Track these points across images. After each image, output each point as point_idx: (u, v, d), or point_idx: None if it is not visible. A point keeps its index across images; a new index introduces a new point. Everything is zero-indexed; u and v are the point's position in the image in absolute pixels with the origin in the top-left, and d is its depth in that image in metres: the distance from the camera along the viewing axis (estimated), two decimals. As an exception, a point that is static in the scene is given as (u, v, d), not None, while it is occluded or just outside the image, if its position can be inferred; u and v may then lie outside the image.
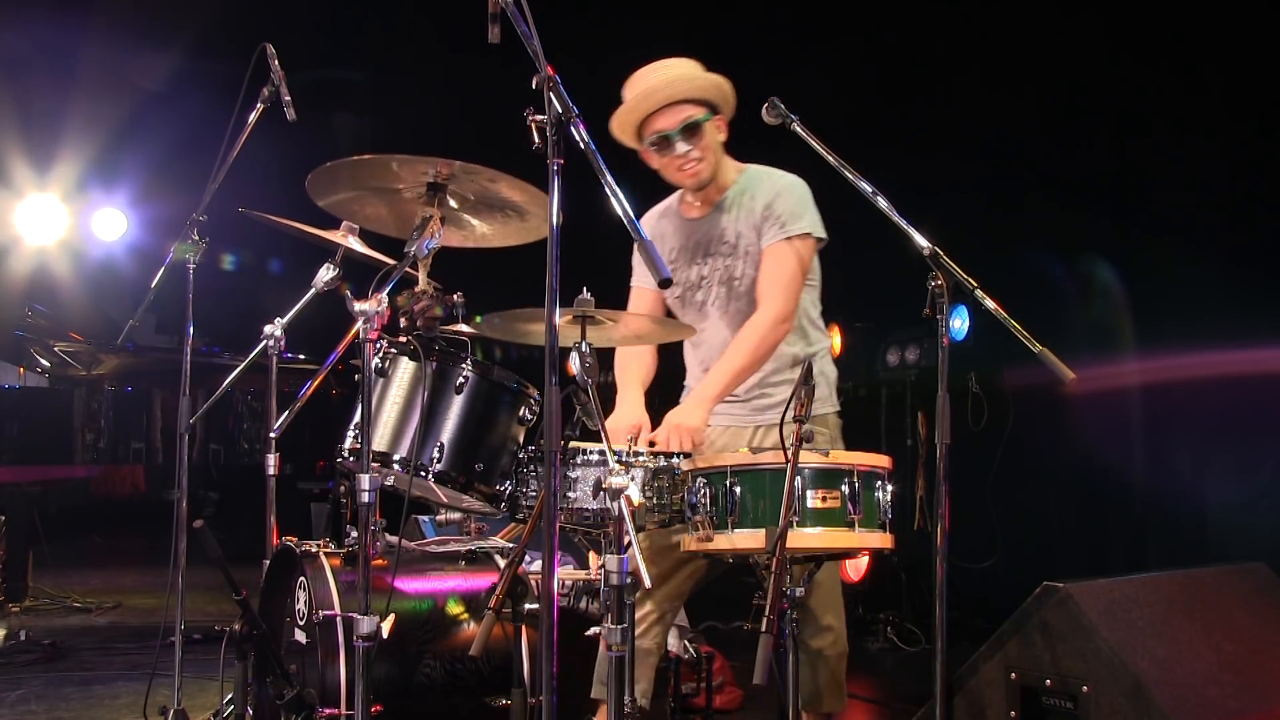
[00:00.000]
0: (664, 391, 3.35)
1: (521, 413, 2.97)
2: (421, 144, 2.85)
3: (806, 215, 3.08)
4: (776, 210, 3.07)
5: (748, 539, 2.52)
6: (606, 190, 2.01)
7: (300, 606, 2.93)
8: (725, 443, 3.15)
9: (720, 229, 3.14)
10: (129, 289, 8.26)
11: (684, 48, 3.14)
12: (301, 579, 2.92)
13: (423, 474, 2.83)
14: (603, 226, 2.39)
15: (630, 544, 2.39)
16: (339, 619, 2.75)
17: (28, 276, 7.78)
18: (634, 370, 3.28)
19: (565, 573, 3.43)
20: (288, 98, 3.41)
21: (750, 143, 3.20)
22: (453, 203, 2.79)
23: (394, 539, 2.92)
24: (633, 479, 2.68)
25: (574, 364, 2.47)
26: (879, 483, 2.60)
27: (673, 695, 3.70)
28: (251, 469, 5.92)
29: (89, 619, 5.96)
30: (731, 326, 3.12)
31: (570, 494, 2.77)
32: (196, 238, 3.48)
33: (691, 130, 3.04)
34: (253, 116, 3.47)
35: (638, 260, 3.29)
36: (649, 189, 3.31)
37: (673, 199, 3.29)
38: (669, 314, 3.26)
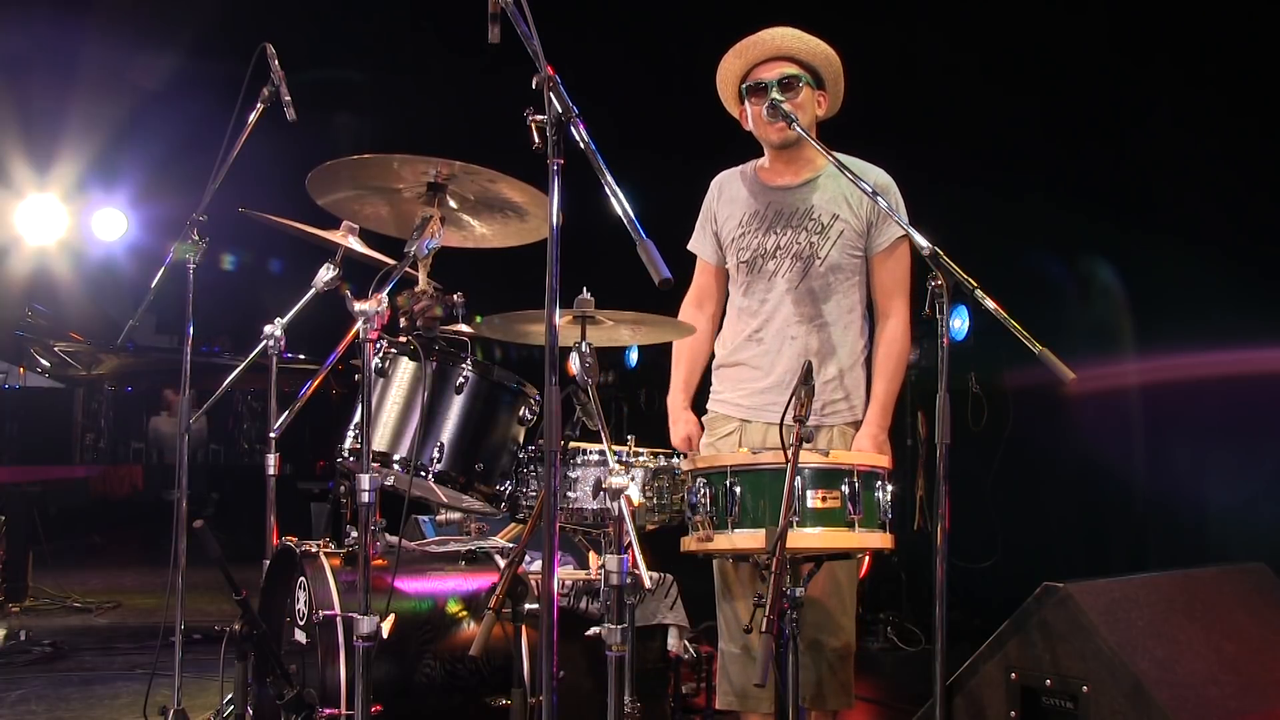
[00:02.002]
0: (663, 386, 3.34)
1: (521, 413, 2.98)
2: (421, 144, 2.86)
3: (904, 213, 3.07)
4: (889, 205, 2.94)
5: (748, 539, 2.52)
6: (606, 190, 2.01)
7: (300, 606, 2.93)
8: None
9: (809, 204, 3.09)
10: (129, 289, 8.26)
11: (680, 47, 3.14)
12: (301, 579, 2.92)
13: (423, 474, 2.83)
14: (603, 226, 2.39)
15: (630, 544, 2.39)
16: (339, 619, 2.75)
17: (28, 276, 7.77)
18: (684, 366, 3.30)
19: (565, 573, 3.43)
20: (288, 98, 3.41)
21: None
22: (453, 203, 2.79)
23: (394, 539, 2.92)
24: (633, 479, 2.69)
25: (574, 364, 2.47)
26: (879, 483, 2.60)
27: (672, 695, 3.70)
28: (251, 469, 5.92)
29: (89, 619, 5.96)
30: (799, 303, 3.07)
31: (570, 494, 2.77)
32: (196, 238, 3.48)
33: (788, 85, 3.02)
34: (253, 116, 3.47)
35: (701, 225, 3.29)
36: (649, 189, 3.31)
37: (748, 165, 3.25)
38: (726, 280, 3.26)
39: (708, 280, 3.31)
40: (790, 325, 3.09)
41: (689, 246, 3.32)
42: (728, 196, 3.23)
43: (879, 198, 2.83)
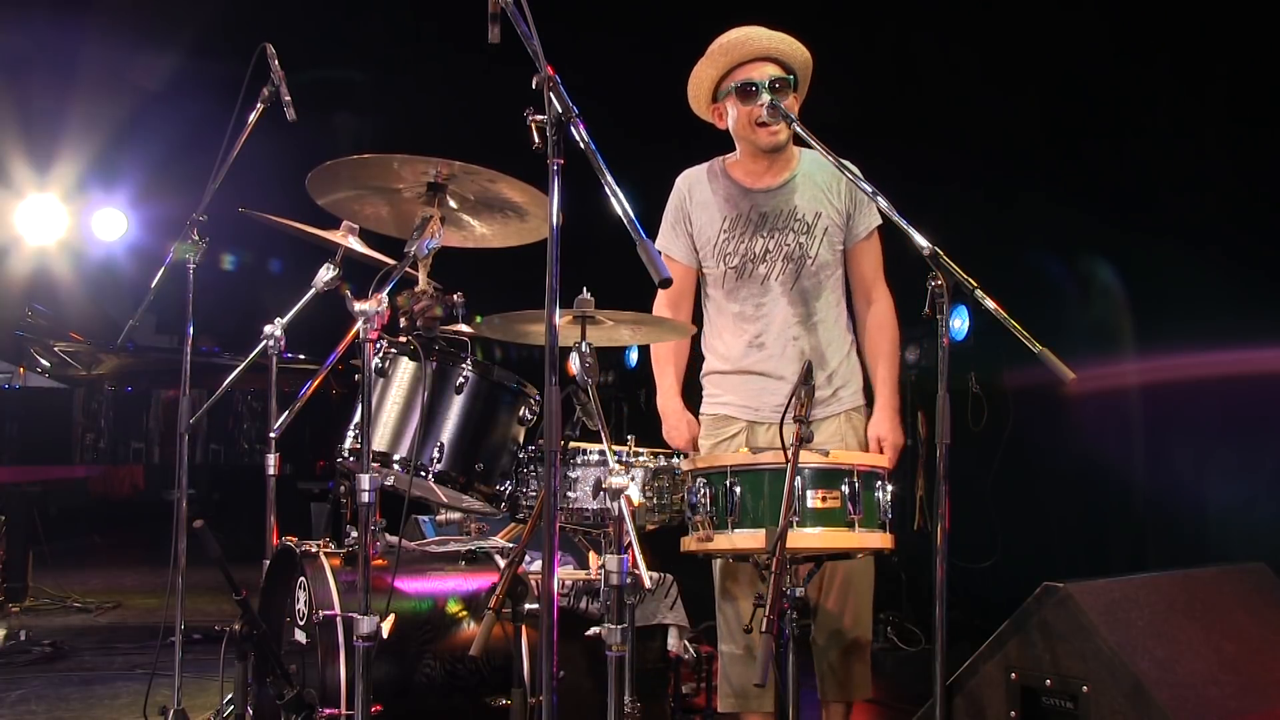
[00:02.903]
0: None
1: (521, 413, 2.98)
2: (421, 144, 2.85)
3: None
4: (863, 196, 3.04)
5: (748, 539, 2.52)
6: (606, 190, 2.01)
7: (300, 606, 2.93)
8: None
9: (793, 205, 3.11)
10: (129, 289, 8.25)
11: (681, 47, 3.14)
12: (301, 579, 2.92)
13: (423, 474, 2.83)
14: (603, 226, 2.39)
15: (630, 544, 2.39)
16: (339, 619, 2.75)
17: (28, 276, 7.77)
18: (672, 367, 3.27)
19: (565, 573, 3.43)
20: (288, 98, 3.41)
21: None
22: (453, 203, 2.79)
23: (394, 539, 2.92)
24: (633, 479, 2.69)
25: (574, 364, 2.47)
26: (879, 483, 2.61)
27: (672, 695, 3.70)
28: (251, 469, 5.92)
29: (89, 619, 5.96)
30: (795, 304, 3.10)
31: (570, 494, 2.78)
32: (196, 238, 3.48)
33: (778, 88, 3.00)
34: (253, 116, 3.47)
35: (672, 226, 3.24)
36: (649, 189, 3.30)
37: (715, 164, 3.21)
38: (697, 279, 3.25)
39: (682, 280, 3.24)
40: (790, 327, 3.10)
41: (657, 245, 3.23)
42: (701, 199, 3.19)
43: (879, 198, 2.82)
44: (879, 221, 3.12)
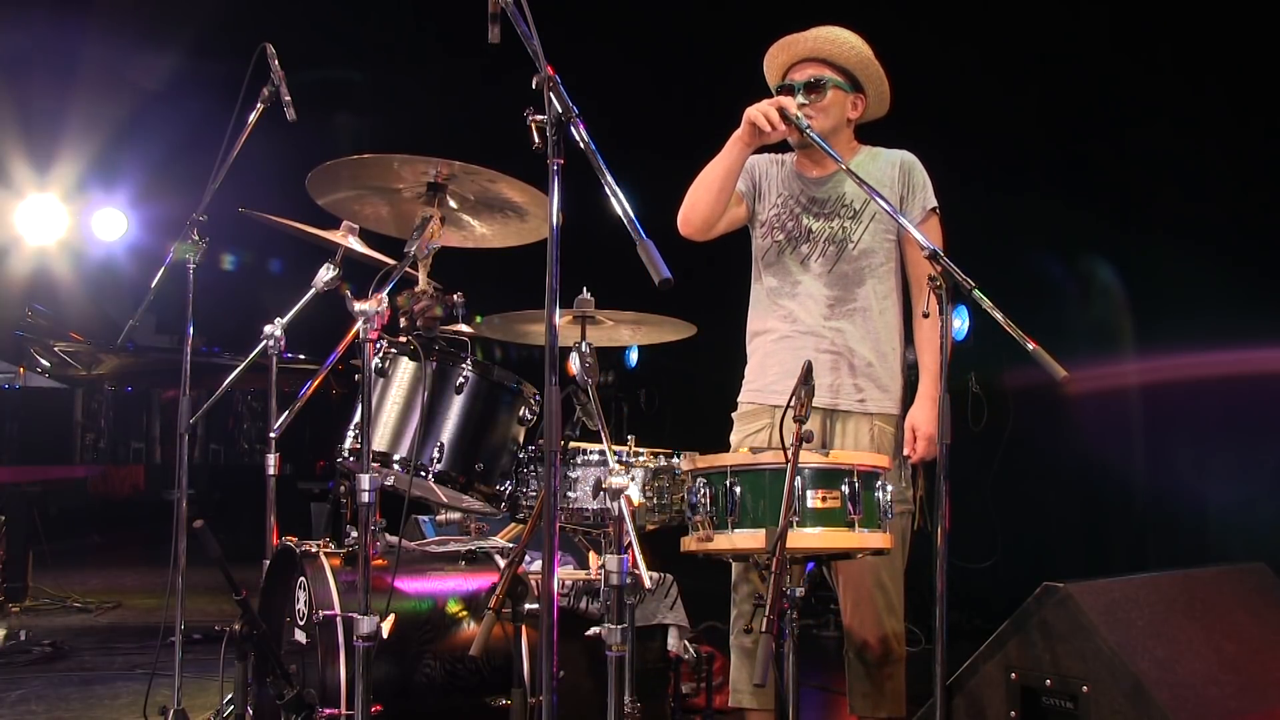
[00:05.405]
0: (704, 388, 3.33)
1: (521, 413, 2.98)
2: (421, 144, 2.86)
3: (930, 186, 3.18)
4: (916, 177, 3.15)
5: (748, 539, 2.52)
6: (606, 190, 2.01)
7: (300, 606, 2.93)
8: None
9: (841, 191, 3.17)
10: (129, 289, 8.26)
11: (680, 47, 3.14)
12: (301, 579, 2.92)
13: (423, 474, 2.83)
14: (603, 226, 2.39)
15: (630, 544, 2.40)
16: (339, 619, 2.75)
17: (28, 276, 7.78)
18: None
19: (565, 573, 3.43)
20: (288, 98, 3.41)
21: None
22: (453, 203, 2.79)
23: (394, 539, 2.92)
24: (633, 479, 2.69)
25: (574, 364, 2.47)
26: (879, 483, 2.61)
27: (673, 695, 3.70)
28: (251, 469, 5.92)
29: (89, 619, 5.95)
30: (832, 286, 3.12)
31: (570, 494, 2.78)
32: (196, 238, 3.48)
33: (814, 88, 3.08)
34: (253, 116, 3.47)
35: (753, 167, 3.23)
36: (649, 189, 3.30)
37: (788, 154, 3.29)
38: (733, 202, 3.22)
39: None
40: (822, 308, 3.13)
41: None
42: (769, 173, 3.26)
43: (878, 196, 2.82)
44: (933, 204, 3.15)
